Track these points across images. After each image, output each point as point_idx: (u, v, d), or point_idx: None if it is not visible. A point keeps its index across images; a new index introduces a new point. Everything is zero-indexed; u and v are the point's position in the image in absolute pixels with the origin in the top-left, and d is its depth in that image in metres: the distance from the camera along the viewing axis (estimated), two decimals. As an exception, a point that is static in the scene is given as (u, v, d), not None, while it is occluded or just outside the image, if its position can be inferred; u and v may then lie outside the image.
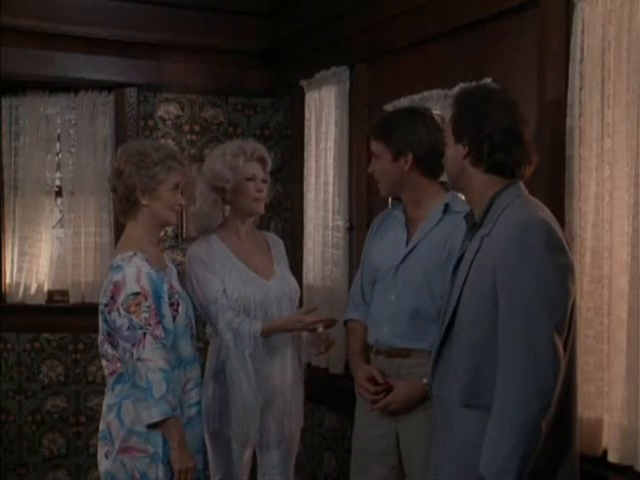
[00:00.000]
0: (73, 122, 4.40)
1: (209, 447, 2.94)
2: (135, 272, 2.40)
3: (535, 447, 1.82)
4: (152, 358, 2.35)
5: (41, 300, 4.41)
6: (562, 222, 2.42)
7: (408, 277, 2.51)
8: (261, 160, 2.92)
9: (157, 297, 2.44)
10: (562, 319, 1.86)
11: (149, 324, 2.37)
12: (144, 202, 2.50)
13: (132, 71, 4.25)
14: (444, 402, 2.04)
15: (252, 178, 2.88)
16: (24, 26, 3.95)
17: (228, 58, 4.37)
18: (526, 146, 2.02)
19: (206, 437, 2.86)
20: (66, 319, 4.38)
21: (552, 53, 2.56)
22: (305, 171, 4.02)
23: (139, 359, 2.35)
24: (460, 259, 2.08)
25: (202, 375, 2.79)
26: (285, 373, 2.92)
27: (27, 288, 4.39)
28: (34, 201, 4.39)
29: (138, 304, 2.37)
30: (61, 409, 4.39)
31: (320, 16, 3.84)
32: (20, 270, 4.38)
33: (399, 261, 2.53)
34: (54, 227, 4.50)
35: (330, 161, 3.81)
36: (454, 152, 2.05)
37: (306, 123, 4.01)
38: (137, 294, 2.38)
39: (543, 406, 1.81)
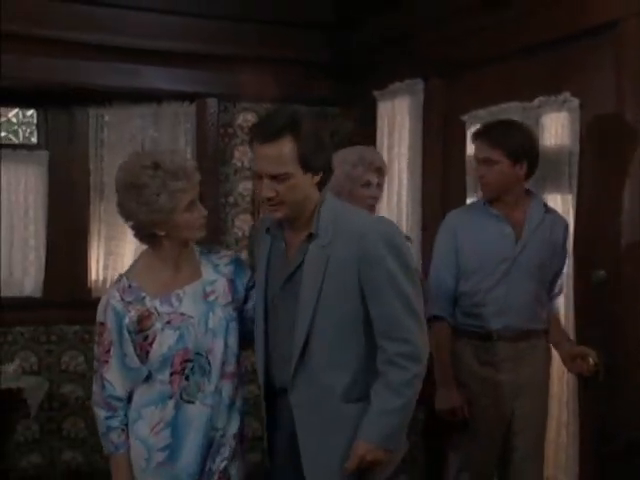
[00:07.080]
0: (155, 130, 4.69)
1: None
2: (105, 301, 2.25)
3: None
4: (95, 394, 2.27)
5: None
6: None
7: (524, 269, 2.79)
8: (378, 170, 3.00)
9: (118, 333, 2.23)
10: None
11: (99, 359, 2.25)
12: (162, 233, 2.22)
13: (211, 83, 4.54)
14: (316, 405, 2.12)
15: (367, 184, 2.95)
16: (112, 42, 4.27)
17: (299, 69, 4.63)
18: None
19: None
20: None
21: (629, 71, 2.78)
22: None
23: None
24: (294, 270, 2.15)
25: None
26: None
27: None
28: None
29: (100, 334, 2.25)
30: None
31: (397, 30, 4.06)
32: (106, 267, 4.71)
33: (515, 254, 2.79)
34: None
35: (404, 166, 4.05)
36: (306, 180, 2.11)
37: (378, 131, 4.25)
38: (101, 324, 2.25)
39: None
